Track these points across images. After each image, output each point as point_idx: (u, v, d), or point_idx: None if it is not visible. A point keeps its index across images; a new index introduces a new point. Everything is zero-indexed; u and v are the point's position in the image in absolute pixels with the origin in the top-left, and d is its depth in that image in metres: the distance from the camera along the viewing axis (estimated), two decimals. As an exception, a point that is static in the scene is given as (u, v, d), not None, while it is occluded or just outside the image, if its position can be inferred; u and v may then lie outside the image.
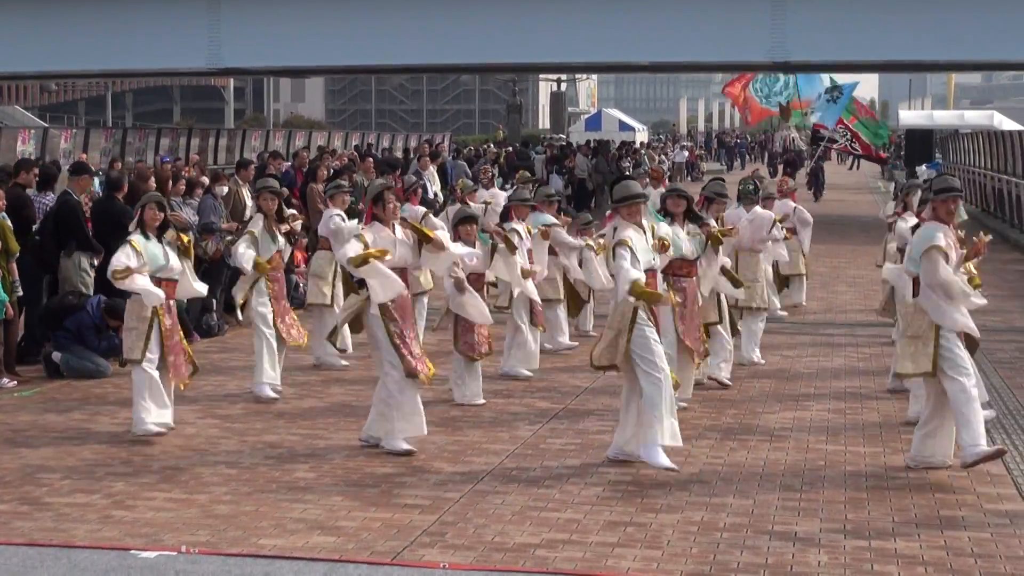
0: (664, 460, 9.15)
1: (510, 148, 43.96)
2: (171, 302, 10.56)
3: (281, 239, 12.22)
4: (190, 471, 9.32)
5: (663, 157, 49.34)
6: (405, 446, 9.73)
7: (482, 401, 11.67)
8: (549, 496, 8.69)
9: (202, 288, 11.26)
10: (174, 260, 10.52)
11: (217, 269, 15.56)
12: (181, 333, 10.80)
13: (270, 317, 11.96)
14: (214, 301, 15.53)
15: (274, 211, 12.20)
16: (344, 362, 13.43)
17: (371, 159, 24.48)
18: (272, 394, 11.83)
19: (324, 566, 7.16)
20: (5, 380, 12.37)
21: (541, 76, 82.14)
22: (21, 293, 12.83)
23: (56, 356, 12.76)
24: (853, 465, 9.63)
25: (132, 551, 7.37)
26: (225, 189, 17.26)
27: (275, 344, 11.93)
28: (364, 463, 9.56)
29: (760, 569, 7.26)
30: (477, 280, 11.79)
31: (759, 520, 8.17)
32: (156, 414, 10.36)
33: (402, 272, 9.90)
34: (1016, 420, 11.15)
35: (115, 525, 7.97)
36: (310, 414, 11.33)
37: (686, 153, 56.96)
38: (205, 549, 7.43)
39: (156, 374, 10.35)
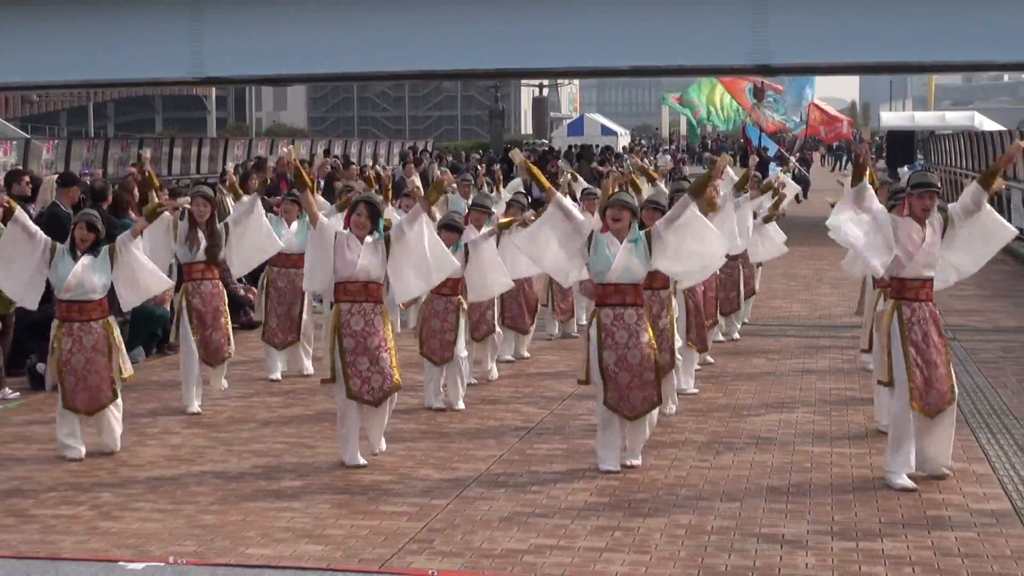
0: (605, 464, 9.46)
1: (477, 155, 43.66)
2: (76, 325, 10.09)
3: (204, 248, 11.85)
4: (176, 481, 9.30)
5: (646, 161, 49.32)
6: (354, 461, 9.69)
7: (439, 405, 11.68)
8: (536, 502, 8.69)
9: (156, 283, 10.52)
10: (91, 281, 10.07)
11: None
12: (99, 359, 10.14)
13: (194, 346, 11.80)
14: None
15: (205, 219, 11.89)
16: None
17: (354, 166, 24.50)
18: (196, 410, 11.74)
19: (313, 575, 7.15)
20: (7, 391, 12.35)
21: (523, 81, 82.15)
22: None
23: (40, 367, 12.72)
24: (839, 467, 9.65)
25: (120, 563, 7.34)
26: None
27: (194, 363, 11.81)
28: (351, 471, 9.55)
29: (748, 572, 7.27)
30: (454, 285, 11.78)
31: (746, 523, 8.18)
32: (67, 441, 10.08)
33: (365, 285, 9.75)
34: (1001, 419, 11.19)
35: (102, 536, 7.96)
36: (296, 422, 11.31)
37: (668, 157, 57.04)
38: (193, 559, 7.41)
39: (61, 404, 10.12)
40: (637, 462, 9.59)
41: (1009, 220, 28.33)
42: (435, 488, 9.05)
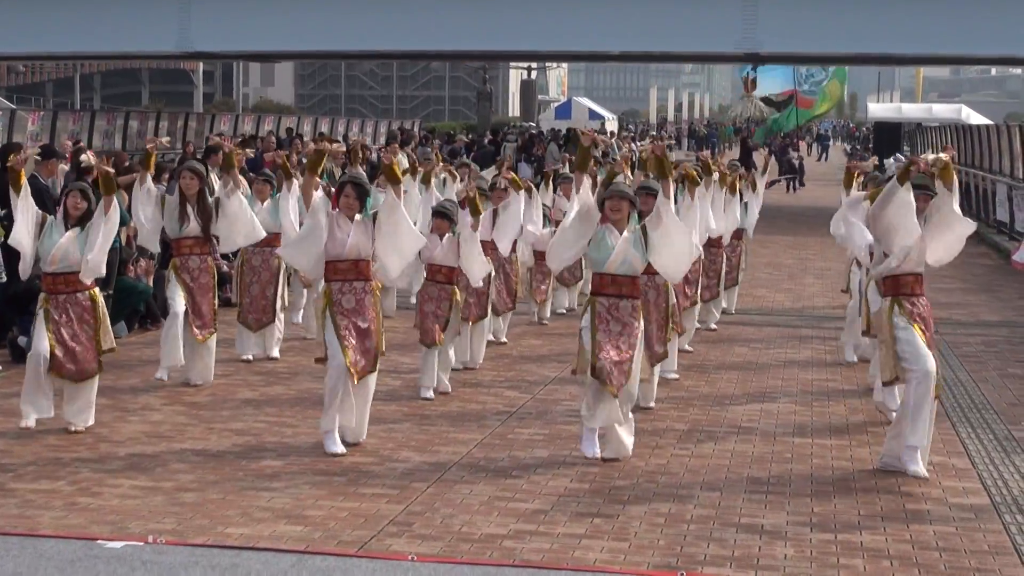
0: (586, 450, 9.41)
1: (464, 137, 43.44)
2: (62, 297, 10.05)
3: (195, 223, 11.80)
4: (156, 458, 9.28)
5: (633, 147, 49.33)
6: (334, 448, 9.52)
7: (430, 396, 11.48)
8: (517, 487, 8.69)
9: (96, 268, 10.16)
10: (75, 254, 10.00)
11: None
12: (86, 330, 10.14)
13: (180, 308, 11.73)
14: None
15: (193, 193, 11.81)
16: None
17: (338, 144, 24.38)
18: (163, 377, 11.75)
19: (292, 557, 7.14)
20: None
21: (511, 64, 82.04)
22: (5, 280, 12.76)
23: (22, 341, 12.66)
24: (819, 458, 9.67)
25: (99, 541, 7.33)
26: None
27: (179, 332, 11.70)
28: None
29: (727, 561, 7.28)
30: (449, 273, 11.74)
31: (726, 512, 8.19)
32: (32, 409, 10.04)
33: (356, 263, 9.73)
34: (981, 414, 11.22)
35: (80, 512, 7.93)
36: (277, 402, 11.29)
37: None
38: (172, 539, 7.39)
39: (41, 368, 10.00)
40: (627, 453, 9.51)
41: (994, 214, 28.50)
42: (415, 471, 9.05)
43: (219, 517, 7.88)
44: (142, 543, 7.28)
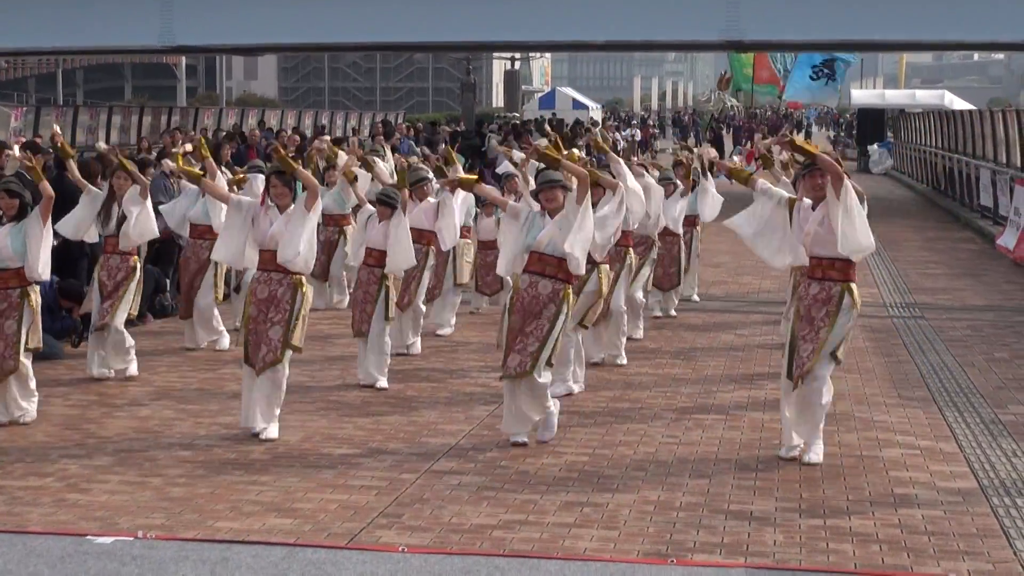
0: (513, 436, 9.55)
1: (447, 127, 43.29)
2: None
3: (114, 224, 11.76)
4: (144, 453, 9.26)
5: (616, 136, 49.39)
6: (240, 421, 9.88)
7: (365, 382, 11.58)
8: (505, 476, 8.70)
9: (41, 270, 10.19)
10: (7, 249, 9.98)
11: (169, 249, 15.45)
12: (9, 326, 10.04)
13: (94, 296, 11.85)
14: (167, 281, 15.42)
15: (124, 194, 11.78)
16: None
17: (326, 138, 24.38)
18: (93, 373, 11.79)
19: (282, 550, 7.14)
20: None
21: (495, 54, 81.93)
22: None
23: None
24: (807, 444, 9.67)
25: (88, 536, 7.31)
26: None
27: (100, 343, 11.79)
28: (319, 444, 9.54)
29: (716, 548, 7.29)
30: (379, 256, 11.72)
31: (715, 499, 8.21)
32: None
33: (275, 253, 9.67)
34: (968, 398, 11.25)
35: (69, 508, 7.92)
36: (265, 395, 11.27)
37: (638, 132, 57.19)
38: (161, 534, 7.38)
39: None
40: (523, 440, 9.51)
41: (978, 199, 28.57)
42: (404, 462, 9.05)
43: (208, 511, 7.87)
44: (132, 538, 7.28)
